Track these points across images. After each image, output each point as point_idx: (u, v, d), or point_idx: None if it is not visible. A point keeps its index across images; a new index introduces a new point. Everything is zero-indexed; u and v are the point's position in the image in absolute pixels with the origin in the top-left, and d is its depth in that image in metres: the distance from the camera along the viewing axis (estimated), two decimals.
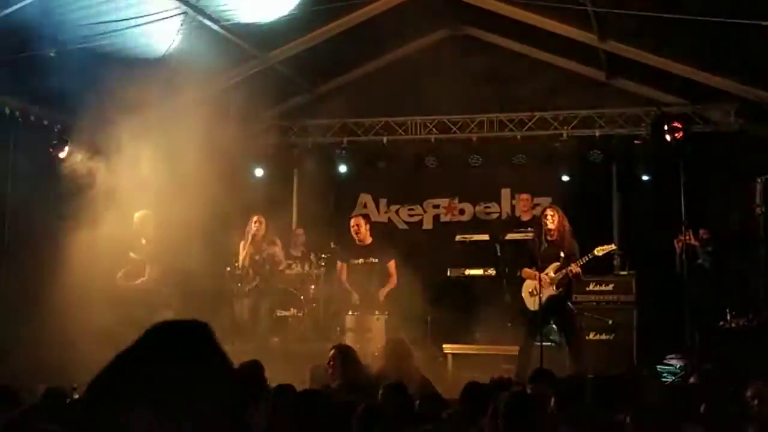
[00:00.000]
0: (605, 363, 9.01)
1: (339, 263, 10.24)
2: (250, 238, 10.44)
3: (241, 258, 10.53)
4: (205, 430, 1.36)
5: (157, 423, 1.33)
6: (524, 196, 11.71)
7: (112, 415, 1.34)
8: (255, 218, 10.54)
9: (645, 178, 11.50)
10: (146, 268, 9.68)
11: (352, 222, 10.04)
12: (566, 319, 9.20)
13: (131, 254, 9.71)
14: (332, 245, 10.96)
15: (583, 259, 9.03)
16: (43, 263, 9.38)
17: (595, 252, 9.09)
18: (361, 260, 10.00)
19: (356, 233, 9.97)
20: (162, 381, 1.38)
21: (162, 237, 9.79)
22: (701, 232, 10.01)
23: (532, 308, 9.21)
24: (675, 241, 10.01)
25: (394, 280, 9.91)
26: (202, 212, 9.68)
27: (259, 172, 12.24)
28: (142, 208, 9.87)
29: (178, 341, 1.45)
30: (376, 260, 9.92)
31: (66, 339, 8.37)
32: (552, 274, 9.09)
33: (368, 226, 10.12)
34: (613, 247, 9.38)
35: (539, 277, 8.91)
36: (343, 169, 12.25)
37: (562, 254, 9.08)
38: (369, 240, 10.07)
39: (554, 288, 9.11)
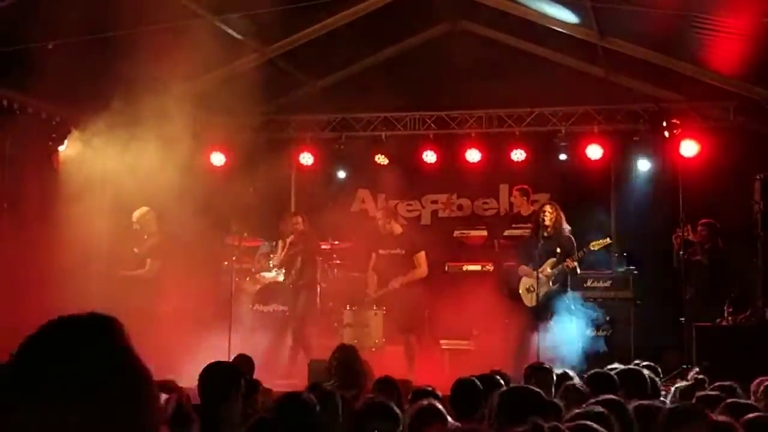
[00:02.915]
0: (602, 359, 9.01)
1: (372, 253, 10.26)
2: (293, 237, 10.62)
3: (278, 255, 10.84)
4: (90, 423, 1.35)
5: (41, 414, 1.32)
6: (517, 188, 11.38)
7: None
8: (298, 218, 10.78)
9: (643, 174, 11.49)
10: (147, 261, 9.79)
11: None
12: (563, 315, 9.23)
13: (135, 250, 9.89)
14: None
15: (579, 254, 9.06)
16: (38, 258, 9.33)
17: (591, 247, 9.12)
18: (388, 251, 10.04)
19: (382, 227, 10.10)
20: (52, 373, 1.36)
21: (164, 232, 9.86)
22: (699, 228, 10.01)
23: (529, 304, 9.24)
24: (673, 238, 10.02)
25: (421, 270, 9.96)
26: (200, 206, 9.69)
27: (256, 167, 12.20)
28: (139, 204, 9.91)
29: (75, 335, 1.43)
30: (403, 251, 9.96)
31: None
32: (549, 270, 9.11)
33: (389, 218, 10.19)
34: (608, 241, 9.41)
35: (536, 274, 8.93)
36: (341, 164, 12.24)
37: (558, 250, 9.11)
38: (399, 231, 10.14)
39: (551, 284, 9.14)
